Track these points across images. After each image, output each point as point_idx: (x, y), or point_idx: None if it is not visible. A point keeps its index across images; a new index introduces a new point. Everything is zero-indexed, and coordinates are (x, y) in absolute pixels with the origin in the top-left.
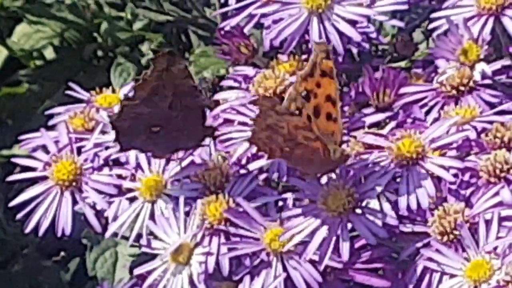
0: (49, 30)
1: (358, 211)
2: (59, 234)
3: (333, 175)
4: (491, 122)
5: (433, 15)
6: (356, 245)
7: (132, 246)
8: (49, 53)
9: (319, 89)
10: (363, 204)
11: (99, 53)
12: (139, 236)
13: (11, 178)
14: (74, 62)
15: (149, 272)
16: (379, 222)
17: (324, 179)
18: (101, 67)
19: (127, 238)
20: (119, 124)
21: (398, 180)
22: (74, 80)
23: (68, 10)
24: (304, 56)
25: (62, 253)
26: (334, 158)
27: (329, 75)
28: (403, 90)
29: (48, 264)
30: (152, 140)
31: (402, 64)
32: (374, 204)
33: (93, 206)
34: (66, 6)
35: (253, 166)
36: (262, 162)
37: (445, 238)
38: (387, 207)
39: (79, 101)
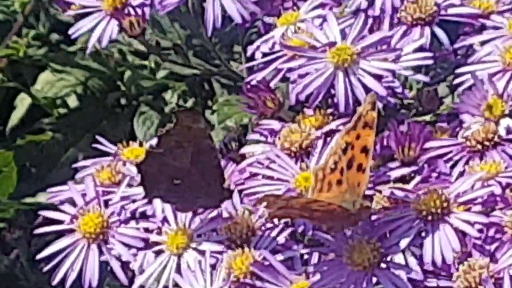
0: (72, 78)
1: (383, 265)
2: (85, 286)
3: (358, 230)
4: None
5: (458, 70)
6: None
7: None
8: (73, 101)
9: (357, 141)
10: (388, 258)
11: (123, 101)
12: None
13: (38, 231)
14: (98, 110)
15: None
16: (404, 277)
17: (349, 234)
18: (124, 115)
19: None
20: (144, 169)
21: (423, 234)
22: (97, 128)
23: (92, 59)
24: (329, 110)
25: None
26: (354, 210)
27: (370, 126)
28: (428, 144)
29: None
30: (173, 192)
31: (427, 118)
32: (399, 258)
33: (119, 259)
34: (90, 55)
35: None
36: None
37: None
38: (412, 261)
39: (104, 151)
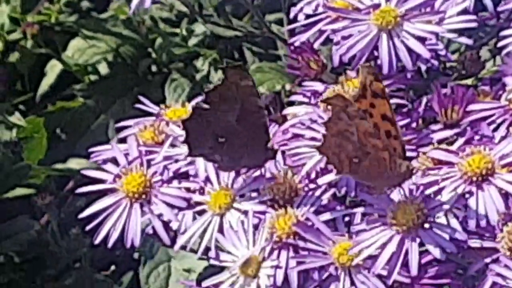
0: (103, 45)
1: (427, 226)
2: (128, 245)
3: (402, 190)
4: None
5: (503, 33)
6: (423, 261)
7: (200, 259)
8: (104, 68)
9: (373, 109)
10: (432, 219)
11: (154, 68)
12: (207, 249)
13: (81, 190)
14: (129, 77)
15: (217, 285)
16: (448, 237)
17: (393, 194)
18: (155, 82)
19: (195, 251)
20: (189, 125)
21: (467, 196)
22: (128, 95)
23: (123, 26)
24: None
25: (113, 267)
26: (400, 171)
27: (381, 96)
28: (471, 107)
29: (102, 278)
30: (217, 151)
31: (469, 82)
32: (441, 219)
33: (161, 218)
34: (121, 22)
35: (322, 180)
36: (331, 176)
37: None
38: (454, 222)
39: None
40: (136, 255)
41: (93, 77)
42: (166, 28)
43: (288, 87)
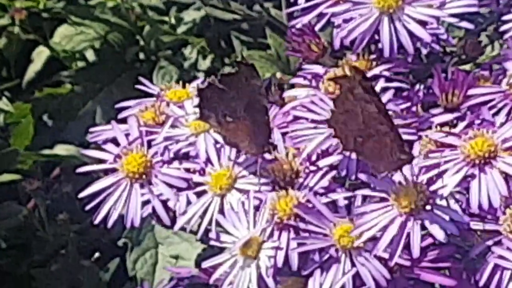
0: (91, 32)
1: (428, 208)
2: (128, 225)
3: (405, 172)
4: None
5: (505, 17)
6: (423, 244)
7: (199, 240)
8: (91, 55)
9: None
10: (433, 201)
11: (142, 56)
12: (207, 230)
13: (82, 169)
14: (117, 65)
15: (216, 266)
16: (449, 219)
17: (395, 177)
18: (143, 70)
19: (195, 233)
20: (203, 95)
21: (469, 178)
22: (116, 82)
23: (112, 12)
24: (372, 56)
25: (97, 254)
26: (400, 157)
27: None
28: (471, 91)
29: (88, 264)
30: (223, 127)
31: (467, 67)
32: (442, 203)
33: (161, 199)
34: (110, 9)
35: (323, 162)
36: (332, 159)
37: None
38: (455, 205)
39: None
40: (120, 243)
41: (80, 64)
42: (155, 15)
43: (278, 75)
